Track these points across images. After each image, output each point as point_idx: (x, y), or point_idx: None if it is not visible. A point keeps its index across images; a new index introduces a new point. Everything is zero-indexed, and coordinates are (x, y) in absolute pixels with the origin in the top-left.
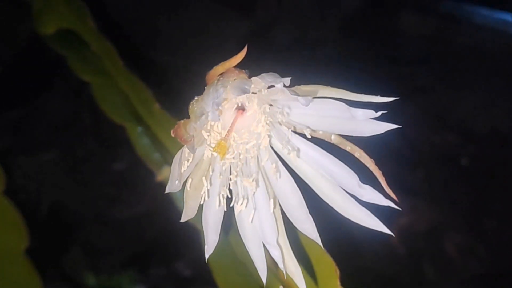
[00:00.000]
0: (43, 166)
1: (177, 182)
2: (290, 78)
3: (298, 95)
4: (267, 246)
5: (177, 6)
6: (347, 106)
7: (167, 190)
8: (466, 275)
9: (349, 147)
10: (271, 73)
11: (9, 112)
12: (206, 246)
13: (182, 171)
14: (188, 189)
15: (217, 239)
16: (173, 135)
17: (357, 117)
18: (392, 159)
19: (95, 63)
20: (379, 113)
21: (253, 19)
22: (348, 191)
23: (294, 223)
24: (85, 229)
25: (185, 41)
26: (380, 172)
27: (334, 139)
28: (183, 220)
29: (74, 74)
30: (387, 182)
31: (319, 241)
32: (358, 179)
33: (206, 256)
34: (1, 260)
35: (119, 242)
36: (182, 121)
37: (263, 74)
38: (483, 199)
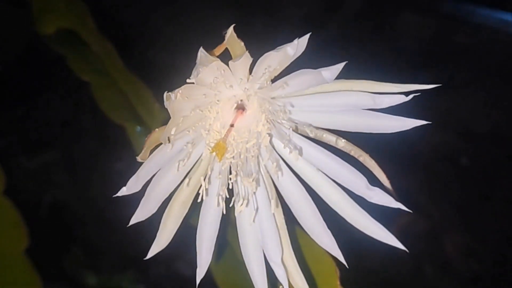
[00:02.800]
0: (43, 166)
1: (153, 204)
2: (310, 33)
3: (321, 69)
4: (271, 264)
5: (177, 5)
6: (370, 94)
7: (133, 221)
8: (466, 275)
9: (353, 150)
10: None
11: (9, 112)
12: (198, 269)
13: (177, 171)
14: (185, 186)
15: (210, 259)
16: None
17: (383, 104)
18: (392, 159)
19: (95, 63)
20: (410, 96)
21: (252, 15)
22: (356, 193)
23: (311, 236)
24: (85, 229)
25: (185, 40)
26: (385, 175)
27: (338, 142)
28: (150, 255)
29: (74, 74)
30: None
31: (341, 258)
32: (366, 181)
33: (197, 280)
34: (1, 260)
35: (119, 242)
36: (157, 129)
37: (277, 48)
38: (483, 199)
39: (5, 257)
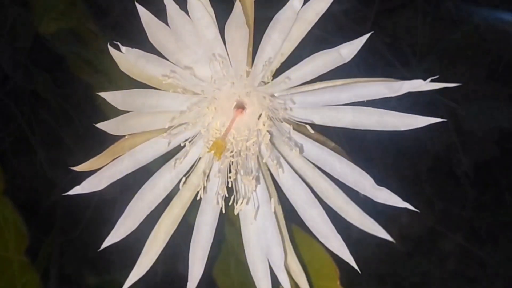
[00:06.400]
0: (43, 166)
1: (135, 220)
2: None
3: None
4: (274, 269)
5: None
6: (384, 82)
7: (106, 243)
8: (465, 275)
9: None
10: None
11: (9, 112)
12: (189, 282)
13: (176, 168)
14: (182, 185)
15: (202, 271)
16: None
17: (401, 90)
18: (392, 159)
19: (95, 63)
20: (429, 80)
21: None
22: (362, 192)
23: (320, 239)
24: (85, 229)
25: None
26: None
27: (327, 144)
28: (127, 286)
29: (74, 74)
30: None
31: (352, 263)
32: (373, 180)
33: None
34: (1, 260)
35: (119, 242)
36: (126, 136)
37: None
38: (483, 200)
39: (5, 257)
